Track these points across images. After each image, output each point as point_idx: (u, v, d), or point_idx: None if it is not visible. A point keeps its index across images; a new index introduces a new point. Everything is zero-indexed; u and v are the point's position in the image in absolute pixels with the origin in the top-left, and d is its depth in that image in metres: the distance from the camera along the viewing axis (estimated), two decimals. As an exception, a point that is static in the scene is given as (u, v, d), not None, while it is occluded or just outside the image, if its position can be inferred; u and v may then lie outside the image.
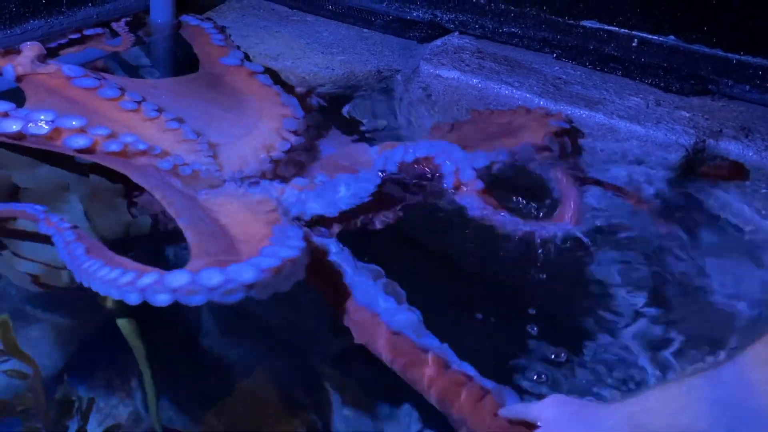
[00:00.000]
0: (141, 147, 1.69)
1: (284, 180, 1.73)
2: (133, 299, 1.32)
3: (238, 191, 1.69)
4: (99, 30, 2.32)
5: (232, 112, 1.90)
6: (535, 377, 1.47)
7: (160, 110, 1.82)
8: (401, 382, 1.35)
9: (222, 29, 2.39)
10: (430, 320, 1.42)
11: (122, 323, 1.58)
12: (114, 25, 2.37)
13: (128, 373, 1.55)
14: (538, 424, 1.18)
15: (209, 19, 2.49)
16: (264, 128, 1.85)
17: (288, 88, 2.09)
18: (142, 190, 1.67)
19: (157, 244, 1.73)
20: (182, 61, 2.34)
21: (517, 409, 1.26)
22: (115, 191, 1.74)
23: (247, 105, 1.94)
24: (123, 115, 1.80)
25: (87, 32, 2.29)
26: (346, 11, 2.63)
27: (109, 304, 1.56)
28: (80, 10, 2.33)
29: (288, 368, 1.56)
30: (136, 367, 1.54)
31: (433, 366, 1.33)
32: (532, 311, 1.58)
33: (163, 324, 1.55)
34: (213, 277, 1.30)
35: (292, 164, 1.79)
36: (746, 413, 0.92)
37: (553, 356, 1.51)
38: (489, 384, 1.32)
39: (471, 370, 1.33)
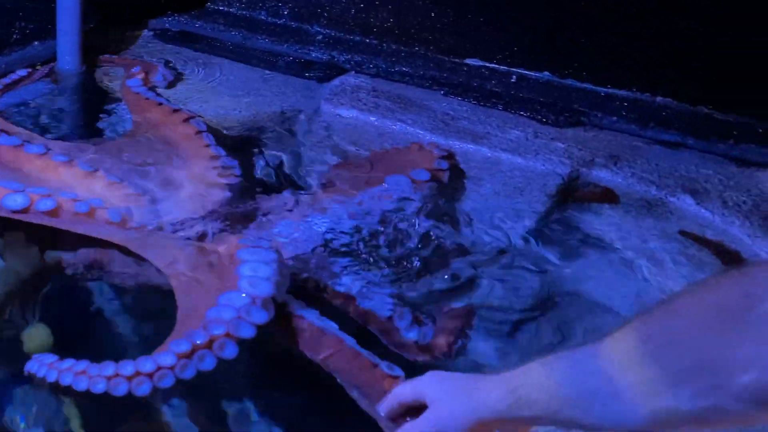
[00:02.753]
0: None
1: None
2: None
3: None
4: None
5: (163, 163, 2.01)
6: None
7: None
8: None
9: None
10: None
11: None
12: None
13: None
14: (424, 401, 1.19)
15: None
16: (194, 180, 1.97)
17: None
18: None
19: (71, 278, 1.81)
20: (94, 107, 2.44)
21: (399, 390, 1.28)
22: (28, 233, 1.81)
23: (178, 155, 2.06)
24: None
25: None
26: (249, 52, 2.77)
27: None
28: (-12, 59, 2.41)
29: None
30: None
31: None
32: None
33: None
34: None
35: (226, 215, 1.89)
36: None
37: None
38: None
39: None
